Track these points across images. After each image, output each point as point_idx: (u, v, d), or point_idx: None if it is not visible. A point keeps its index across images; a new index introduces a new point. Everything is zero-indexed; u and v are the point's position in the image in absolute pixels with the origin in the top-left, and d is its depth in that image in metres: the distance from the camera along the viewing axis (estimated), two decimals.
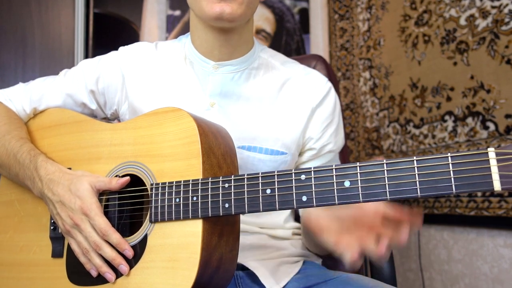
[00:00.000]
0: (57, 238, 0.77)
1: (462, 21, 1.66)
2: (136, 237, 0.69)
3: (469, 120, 1.61)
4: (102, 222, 0.69)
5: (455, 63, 1.68)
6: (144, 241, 0.67)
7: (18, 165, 0.80)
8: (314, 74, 0.92)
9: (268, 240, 0.87)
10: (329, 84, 0.92)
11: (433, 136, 1.76)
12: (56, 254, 0.77)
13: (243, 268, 0.81)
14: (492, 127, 1.52)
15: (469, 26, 1.63)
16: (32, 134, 0.88)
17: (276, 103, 0.87)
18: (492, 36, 1.54)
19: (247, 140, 0.83)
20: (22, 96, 0.91)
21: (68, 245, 0.76)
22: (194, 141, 0.67)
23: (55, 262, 0.76)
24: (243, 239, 0.81)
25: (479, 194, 1.59)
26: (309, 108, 0.87)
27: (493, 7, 1.54)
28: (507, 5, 1.50)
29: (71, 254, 0.75)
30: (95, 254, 0.70)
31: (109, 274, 0.69)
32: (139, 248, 0.68)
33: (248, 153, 0.83)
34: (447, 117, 1.71)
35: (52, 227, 0.78)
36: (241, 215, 0.74)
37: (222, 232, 0.66)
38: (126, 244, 0.68)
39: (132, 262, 0.68)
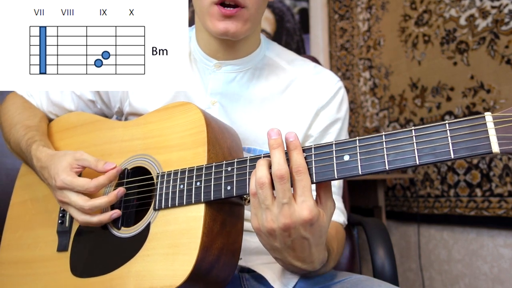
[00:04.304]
0: (64, 231, 0.78)
1: (462, 21, 1.67)
2: (139, 226, 0.69)
3: None
4: (80, 183, 0.69)
5: (455, 63, 1.69)
6: (147, 229, 0.67)
7: (23, 154, 0.82)
8: (324, 73, 0.89)
9: None
10: (339, 84, 0.88)
11: None
12: (62, 247, 0.77)
13: (248, 271, 0.81)
14: None
15: (469, 26, 1.64)
16: (52, 136, 0.89)
17: (279, 104, 0.85)
18: (492, 36, 1.55)
19: (247, 142, 0.82)
20: (42, 94, 0.94)
21: (74, 238, 0.76)
22: (201, 131, 0.68)
23: (59, 256, 0.76)
24: (249, 242, 0.80)
25: (479, 193, 1.59)
26: (314, 110, 0.85)
27: (493, 7, 1.55)
28: (507, 5, 1.50)
29: (76, 247, 0.75)
30: (91, 216, 0.71)
31: (114, 214, 0.70)
32: (142, 237, 0.67)
33: (247, 155, 0.80)
34: (447, 117, 1.71)
35: (60, 221, 0.79)
36: (245, 213, 0.73)
37: (225, 222, 0.65)
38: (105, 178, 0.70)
39: (134, 251, 0.67)
